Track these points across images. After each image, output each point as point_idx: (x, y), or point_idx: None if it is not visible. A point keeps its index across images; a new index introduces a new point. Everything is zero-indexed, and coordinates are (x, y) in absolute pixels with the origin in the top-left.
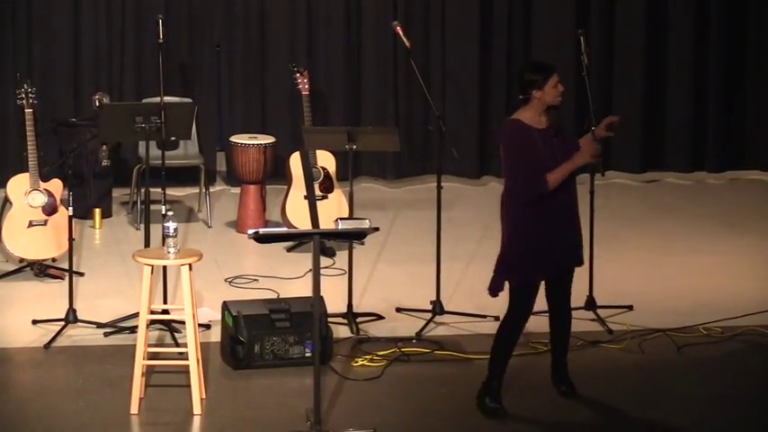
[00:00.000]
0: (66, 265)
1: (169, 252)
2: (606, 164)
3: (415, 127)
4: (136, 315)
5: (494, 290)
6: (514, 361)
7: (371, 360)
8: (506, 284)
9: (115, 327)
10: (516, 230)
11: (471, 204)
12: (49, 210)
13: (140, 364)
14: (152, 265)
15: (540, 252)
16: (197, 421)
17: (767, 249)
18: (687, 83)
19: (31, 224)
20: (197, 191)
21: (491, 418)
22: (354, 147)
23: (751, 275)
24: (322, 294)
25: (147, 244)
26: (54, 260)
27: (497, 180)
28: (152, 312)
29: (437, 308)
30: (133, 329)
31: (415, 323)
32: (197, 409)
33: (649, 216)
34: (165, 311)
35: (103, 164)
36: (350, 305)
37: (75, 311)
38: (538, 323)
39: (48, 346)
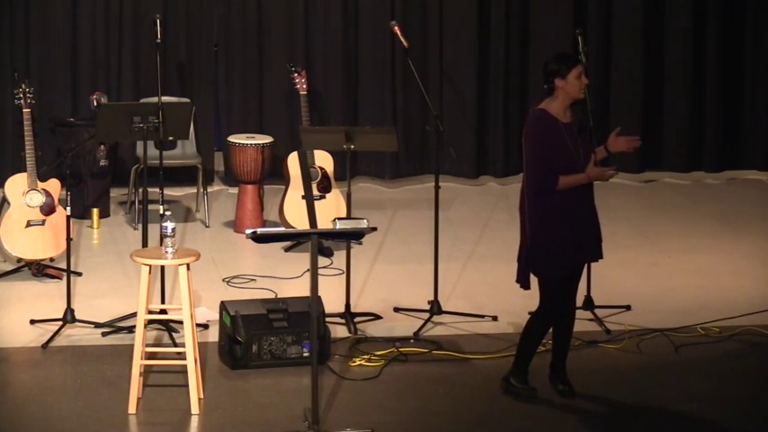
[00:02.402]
0: (63, 265)
1: (167, 252)
2: (604, 164)
3: (412, 127)
4: (133, 315)
5: (523, 284)
6: (511, 361)
7: (369, 360)
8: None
9: (113, 327)
10: (540, 227)
11: (469, 204)
12: (47, 209)
13: (138, 363)
14: (150, 265)
15: (566, 247)
16: (195, 421)
17: (765, 249)
18: (685, 83)
19: (28, 224)
20: (195, 191)
21: (518, 399)
22: (352, 147)
23: (749, 275)
24: (320, 294)
25: (144, 244)
26: (52, 260)
27: (495, 180)
28: (150, 312)
29: (435, 308)
30: (131, 329)
31: (412, 323)
32: (195, 408)
33: (647, 216)
34: (163, 311)
35: (101, 164)
36: (348, 305)
37: (72, 311)
38: None
39: (45, 345)
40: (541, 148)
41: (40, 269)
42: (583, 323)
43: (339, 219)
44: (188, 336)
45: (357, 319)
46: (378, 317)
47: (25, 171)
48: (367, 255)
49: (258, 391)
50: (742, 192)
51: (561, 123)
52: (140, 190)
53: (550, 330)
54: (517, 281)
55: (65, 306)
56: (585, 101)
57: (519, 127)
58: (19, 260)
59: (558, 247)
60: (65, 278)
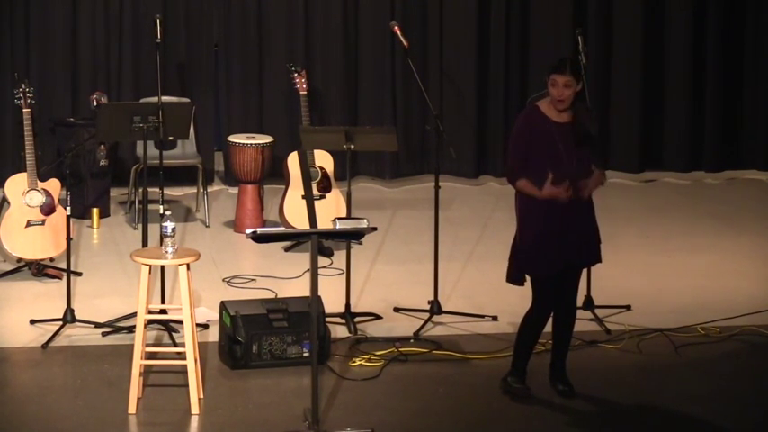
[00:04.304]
0: (63, 265)
1: (167, 252)
2: (604, 164)
3: (412, 127)
4: (134, 315)
5: (512, 280)
6: (511, 361)
7: (369, 360)
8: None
9: (113, 326)
10: (527, 224)
11: (469, 204)
12: (47, 209)
13: (138, 363)
14: (150, 265)
15: (551, 246)
16: (195, 421)
17: (765, 249)
18: (684, 82)
19: (28, 224)
20: (195, 191)
21: (514, 399)
22: (352, 146)
23: (749, 275)
24: (320, 294)
25: (144, 244)
26: (52, 260)
27: (495, 180)
28: (150, 312)
29: (435, 307)
30: (131, 329)
31: (412, 323)
32: (195, 408)
33: (647, 216)
34: (163, 311)
35: (101, 163)
36: (348, 305)
37: (72, 311)
38: None
39: (45, 345)
40: (517, 139)
41: (40, 269)
42: (583, 323)
43: (339, 219)
44: (188, 336)
45: (357, 319)
46: (378, 317)
47: (25, 171)
48: (367, 255)
49: (258, 391)
50: (742, 192)
51: (552, 122)
52: (140, 190)
53: (550, 330)
54: (507, 279)
55: (65, 306)
56: (585, 101)
57: None
58: (19, 260)
59: (543, 244)
60: (65, 278)
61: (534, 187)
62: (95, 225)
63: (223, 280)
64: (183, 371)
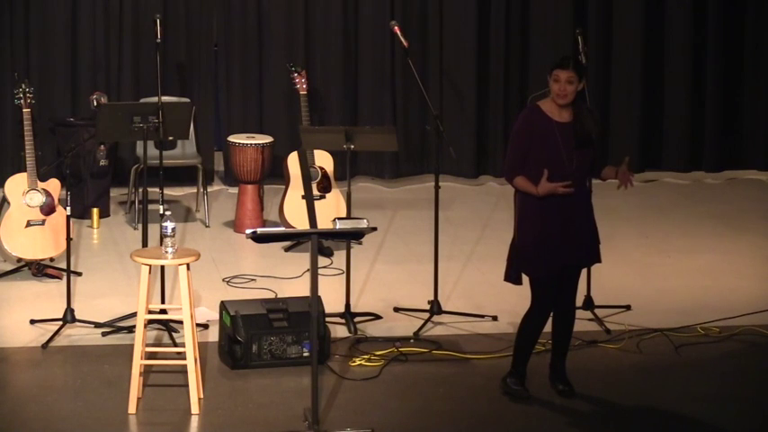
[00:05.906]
0: (63, 265)
1: (167, 252)
2: (603, 163)
3: (412, 127)
4: (134, 315)
5: (510, 280)
6: (510, 361)
7: (369, 360)
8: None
9: (113, 326)
10: (526, 225)
11: (469, 204)
12: (47, 209)
13: (138, 363)
14: (150, 265)
15: (550, 247)
16: (195, 421)
17: (765, 249)
18: (684, 82)
19: (28, 224)
20: (195, 191)
21: (513, 400)
22: (352, 146)
23: (749, 275)
24: (320, 294)
25: (144, 244)
26: (52, 260)
27: (495, 180)
28: (150, 312)
29: (435, 307)
30: (131, 329)
31: (412, 323)
32: (195, 408)
33: (647, 216)
34: (163, 311)
35: (101, 163)
36: (348, 305)
37: (72, 311)
38: None
39: (45, 345)
40: (517, 138)
41: (40, 269)
42: (583, 323)
43: (339, 219)
44: (188, 336)
45: (357, 319)
46: (378, 317)
47: (25, 171)
48: (367, 255)
49: (258, 391)
50: (742, 192)
51: (554, 122)
52: (140, 190)
53: (550, 330)
54: (505, 279)
55: (65, 306)
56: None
57: None
58: (19, 260)
59: (541, 245)
60: (65, 278)
61: (531, 185)
62: (95, 225)
63: (223, 280)
64: (183, 371)
